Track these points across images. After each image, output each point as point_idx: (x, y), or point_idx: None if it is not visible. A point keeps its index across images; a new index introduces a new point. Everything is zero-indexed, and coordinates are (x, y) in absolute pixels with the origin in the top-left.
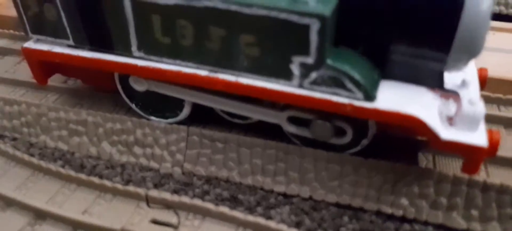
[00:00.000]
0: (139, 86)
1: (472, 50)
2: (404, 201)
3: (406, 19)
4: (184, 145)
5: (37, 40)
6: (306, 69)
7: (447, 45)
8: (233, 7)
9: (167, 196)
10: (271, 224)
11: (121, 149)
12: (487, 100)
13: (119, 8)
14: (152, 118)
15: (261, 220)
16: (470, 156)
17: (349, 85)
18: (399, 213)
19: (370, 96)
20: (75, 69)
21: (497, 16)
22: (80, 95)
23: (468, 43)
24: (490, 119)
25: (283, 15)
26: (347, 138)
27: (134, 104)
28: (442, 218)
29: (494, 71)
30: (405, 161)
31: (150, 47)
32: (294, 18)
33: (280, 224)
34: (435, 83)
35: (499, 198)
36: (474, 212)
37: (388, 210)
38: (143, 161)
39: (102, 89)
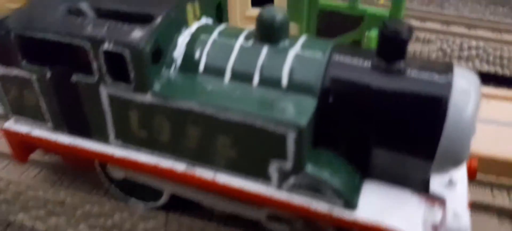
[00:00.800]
0: (117, 174)
1: (457, 158)
2: None
3: (387, 125)
4: None
5: (18, 120)
6: (284, 173)
7: (430, 155)
8: (209, 111)
9: None
10: None
11: None
12: (478, 184)
13: (96, 99)
14: (132, 199)
15: None
16: None
17: (329, 193)
18: None
19: (350, 204)
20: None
21: (492, 77)
22: (60, 171)
23: (452, 151)
24: (481, 207)
25: (259, 122)
26: None
27: (113, 186)
28: None
29: (486, 149)
30: None
31: (127, 138)
32: (270, 125)
33: None
34: (420, 188)
35: None
36: None
37: None
38: None
39: (82, 168)
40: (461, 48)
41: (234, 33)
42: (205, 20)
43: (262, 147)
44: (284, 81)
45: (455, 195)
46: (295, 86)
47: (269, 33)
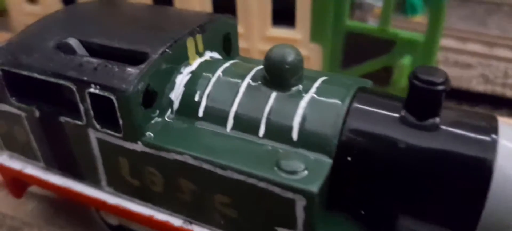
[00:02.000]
0: (112, 220)
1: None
2: None
3: (416, 191)
4: None
5: (11, 156)
6: None
7: (469, 229)
8: (206, 166)
9: None
10: None
11: None
12: None
13: (86, 143)
14: None
15: None
16: None
17: None
18: None
19: None
20: None
21: None
22: (57, 205)
23: (499, 226)
24: None
25: (262, 184)
26: None
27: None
28: None
29: None
30: None
31: (119, 186)
32: (276, 190)
33: None
34: None
35: None
36: None
37: None
38: None
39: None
40: (505, 75)
41: (240, 72)
42: (210, 55)
43: (266, 212)
44: (295, 134)
45: None
46: (307, 141)
47: (278, 76)
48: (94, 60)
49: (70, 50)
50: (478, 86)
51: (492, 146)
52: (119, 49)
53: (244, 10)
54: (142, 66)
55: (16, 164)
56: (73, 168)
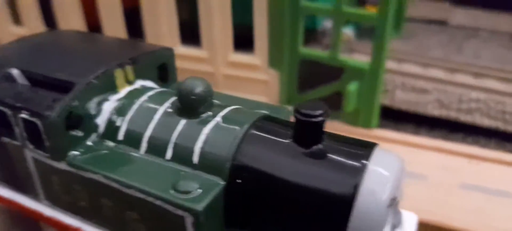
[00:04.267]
0: None
1: None
2: None
3: (294, 215)
4: None
5: None
6: None
7: None
8: (115, 185)
9: None
10: None
11: None
12: None
13: (24, 161)
14: None
15: None
16: None
17: None
18: None
19: None
20: None
21: (493, 133)
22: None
23: None
24: None
25: (159, 203)
26: None
27: None
28: None
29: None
30: None
31: (54, 200)
32: (169, 207)
33: None
34: None
35: None
36: None
37: None
38: None
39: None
40: (460, 101)
41: (162, 100)
42: (142, 84)
43: (166, 228)
44: (196, 157)
45: None
46: (205, 164)
47: (188, 104)
48: (29, 89)
49: (11, 79)
50: (434, 111)
51: (361, 170)
52: (54, 79)
53: (208, 37)
54: (67, 94)
55: None
56: (18, 183)
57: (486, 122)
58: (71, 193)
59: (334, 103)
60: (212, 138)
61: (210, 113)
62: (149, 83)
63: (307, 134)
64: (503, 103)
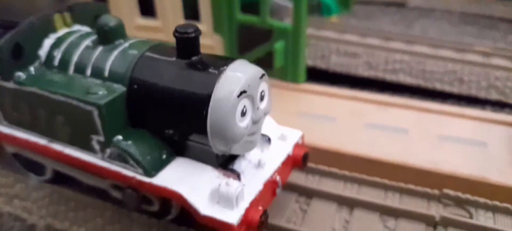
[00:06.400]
0: (10, 149)
1: (224, 136)
2: None
3: (171, 109)
4: (48, 201)
5: None
6: (102, 146)
7: (204, 133)
8: (45, 93)
9: None
10: None
11: (6, 200)
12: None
13: None
14: (31, 174)
15: None
16: None
17: (132, 162)
18: None
19: (149, 173)
20: None
21: (416, 90)
22: None
23: (218, 131)
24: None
25: (74, 102)
26: (156, 206)
27: (17, 162)
28: None
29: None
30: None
31: (9, 119)
32: (81, 105)
33: None
34: (216, 163)
35: None
36: None
37: None
38: (18, 212)
39: None
40: (386, 62)
41: (88, 36)
42: (78, 28)
43: (83, 124)
44: (106, 72)
45: (258, 172)
46: (113, 76)
47: (104, 35)
48: None
49: None
50: (364, 72)
51: (221, 72)
52: (5, 21)
53: (161, 8)
54: (13, 30)
55: None
56: None
57: (408, 80)
58: (18, 109)
59: (268, 63)
60: (119, 58)
61: (121, 41)
62: (85, 28)
63: (184, 47)
64: (424, 64)
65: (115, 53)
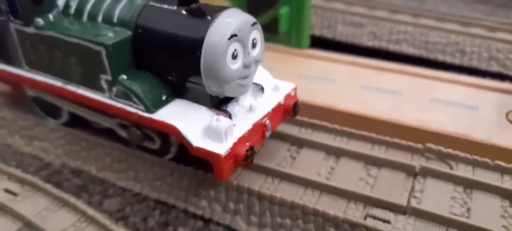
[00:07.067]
0: (31, 93)
1: (216, 76)
2: (204, 203)
3: (171, 53)
4: (63, 142)
5: None
6: (109, 84)
7: (198, 73)
8: (61, 36)
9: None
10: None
11: (26, 142)
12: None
13: (9, 33)
14: (49, 118)
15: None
16: (213, 162)
17: (135, 99)
18: (199, 212)
19: (149, 109)
20: None
21: (417, 60)
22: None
23: (211, 71)
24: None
25: (86, 44)
26: (157, 144)
27: (37, 106)
28: (229, 220)
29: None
30: (205, 168)
31: (31, 64)
32: (92, 46)
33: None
34: (210, 103)
35: (271, 208)
36: (253, 218)
37: (192, 209)
38: (37, 152)
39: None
40: (390, 32)
41: None
42: None
43: (93, 64)
44: (115, 19)
45: (249, 115)
46: (121, 22)
47: None
48: None
49: None
50: (368, 42)
51: (214, 18)
52: None
53: None
54: None
55: None
56: (7, 56)
57: (411, 50)
58: (37, 52)
59: (275, 29)
60: (126, 6)
61: None
62: None
63: None
64: (427, 35)
65: (123, 2)
